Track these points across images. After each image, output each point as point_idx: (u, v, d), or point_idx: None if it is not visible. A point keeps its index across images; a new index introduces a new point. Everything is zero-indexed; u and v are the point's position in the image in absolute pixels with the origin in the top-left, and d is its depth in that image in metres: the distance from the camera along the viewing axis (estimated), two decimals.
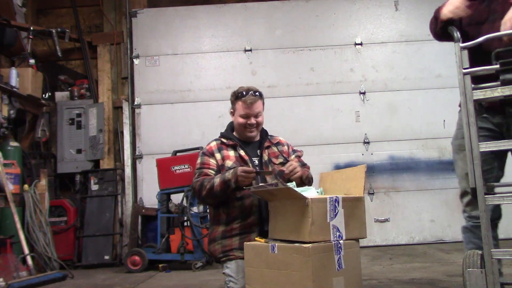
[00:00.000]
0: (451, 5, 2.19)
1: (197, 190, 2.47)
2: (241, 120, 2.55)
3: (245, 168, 2.36)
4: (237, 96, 2.55)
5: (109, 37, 5.83)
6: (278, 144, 2.67)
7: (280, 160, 2.59)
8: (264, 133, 2.68)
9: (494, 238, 2.29)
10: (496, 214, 2.32)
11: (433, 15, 2.34)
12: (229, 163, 2.50)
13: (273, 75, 5.66)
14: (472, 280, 1.82)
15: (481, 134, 2.19)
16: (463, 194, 2.35)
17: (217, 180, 2.38)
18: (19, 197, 4.38)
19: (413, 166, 5.51)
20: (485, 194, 1.81)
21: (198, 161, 2.56)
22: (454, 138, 2.42)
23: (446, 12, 2.19)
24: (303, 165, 2.67)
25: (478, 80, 1.89)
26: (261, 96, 2.58)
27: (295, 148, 2.74)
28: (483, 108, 1.88)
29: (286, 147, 2.68)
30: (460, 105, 2.32)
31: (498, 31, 2.01)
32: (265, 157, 2.57)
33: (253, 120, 2.53)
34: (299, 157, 2.70)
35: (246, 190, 2.35)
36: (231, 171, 2.37)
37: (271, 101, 5.03)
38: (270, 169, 2.52)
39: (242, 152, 2.53)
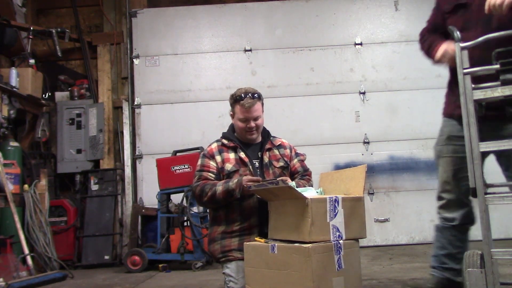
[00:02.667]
0: (445, 57, 2.28)
1: (197, 195, 2.47)
2: (240, 124, 2.53)
3: (250, 177, 2.36)
4: (235, 99, 2.52)
5: (109, 37, 5.82)
6: (280, 146, 2.65)
7: (281, 163, 2.58)
8: (266, 134, 2.65)
9: (461, 240, 2.36)
10: (467, 219, 2.37)
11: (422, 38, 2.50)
12: (228, 166, 2.49)
13: (273, 75, 5.66)
14: (472, 280, 1.82)
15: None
16: (438, 198, 2.42)
17: (219, 188, 2.38)
18: (19, 197, 4.38)
19: (413, 166, 5.51)
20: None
21: (199, 162, 2.56)
22: (436, 144, 2.50)
23: (441, 57, 2.29)
24: (305, 170, 2.66)
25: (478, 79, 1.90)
26: (259, 97, 2.54)
27: (298, 152, 2.72)
28: (483, 108, 1.89)
29: (288, 150, 2.66)
30: (443, 112, 2.43)
31: (477, 38, 2.07)
32: (266, 159, 2.56)
33: (252, 124, 2.51)
34: (302, 161, 2.68)
35: (246, 188, 2.35)
36: (235, 181, 2.36)
37: (271, 101, 5.03)
38: (270, 171, 2.52)
39: (242, 155, 2.52)
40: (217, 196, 2.37)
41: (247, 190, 2.31)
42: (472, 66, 1.89)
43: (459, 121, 2.28)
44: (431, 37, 2.44)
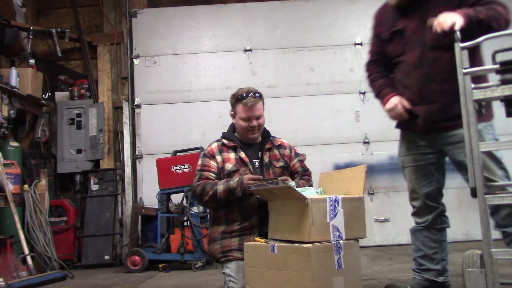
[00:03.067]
0: (393, 112, 2.45)
1: (198, 195, 2.47)
2: (242, 123, 2.53)
3: (251, 176, 2.36)
4: (237, 99, 2.53)
5: (109, 37, 5.82)
6: (280, 146, 2.66)
7: (281, 163, 2.58)
8: (266, 134, 2.66)
9: (434, 241, 2.45)
10: (438, 221, 2.47)
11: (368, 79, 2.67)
12: (229, 166, 2.49)
13: (273, 75, 5.66)
14: (472, 280, 1.82)
15: (425, 156, 2.45)
16: (411, 206, 2.54)
17: (220, 187, 2.38)
18: (19, 197, 4.37)
19: None
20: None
21: (199, 162, 2.56)
22: (398, 155, 2.61)
23: (389, 110, 2.46)
24: (305, 170, 2.66)
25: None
26: (261, 97, 2.56)
27: (297, 152, 2.73)
28: (483, 108, 1.89)
29: (288, 150, 2.66)
30: (396, 124, 2.51)
31: (416, 58, 2.28)
32: (266, 159, 2.56)
33: (254, 123, 2.52)
34: (301, 161, 2.68)
35: (246, 188, 2.35)
36: (236, 179, 2.37)
37: (271, 101, 5.03)
38: (270, 171, 2.52)
39: (242, 154, 2.53)
40: (218, 195, 2.37)
41: (247, 190, 2.31)
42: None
43: (414, 132, 2.42)
44: (380, 78, 2.57)
